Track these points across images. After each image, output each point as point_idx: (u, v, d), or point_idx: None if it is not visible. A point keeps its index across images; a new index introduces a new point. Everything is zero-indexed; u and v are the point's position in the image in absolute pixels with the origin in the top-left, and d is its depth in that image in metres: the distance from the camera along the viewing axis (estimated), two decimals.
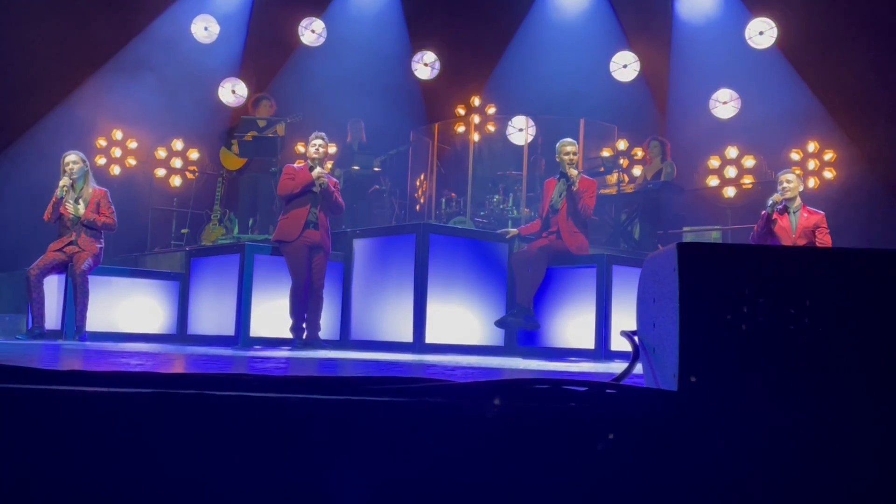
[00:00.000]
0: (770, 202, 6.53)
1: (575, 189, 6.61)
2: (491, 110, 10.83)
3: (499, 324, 6.68)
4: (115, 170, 10.76)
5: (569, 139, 6.93)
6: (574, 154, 6.78)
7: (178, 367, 3.32)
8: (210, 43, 11.27)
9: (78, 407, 1.45)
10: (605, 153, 9.76)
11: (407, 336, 6.62)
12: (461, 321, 6.85)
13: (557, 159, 6.84)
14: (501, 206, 9.04)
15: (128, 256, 9.43)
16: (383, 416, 1.47)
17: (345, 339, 7.22)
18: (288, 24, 11.54)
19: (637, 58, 11.02)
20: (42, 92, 9.93)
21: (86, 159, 7.09)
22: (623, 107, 10.55)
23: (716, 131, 10.45)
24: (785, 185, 6.54)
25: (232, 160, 9.55)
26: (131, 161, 10.90)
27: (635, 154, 9.92)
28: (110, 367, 2.97)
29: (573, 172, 6.67)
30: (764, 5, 10.46)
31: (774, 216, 6.54)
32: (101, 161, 10.43)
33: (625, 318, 6.45)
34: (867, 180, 9.41)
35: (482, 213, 9.22)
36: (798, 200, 6.58)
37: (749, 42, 10.48)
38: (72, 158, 6.91)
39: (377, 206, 10.24)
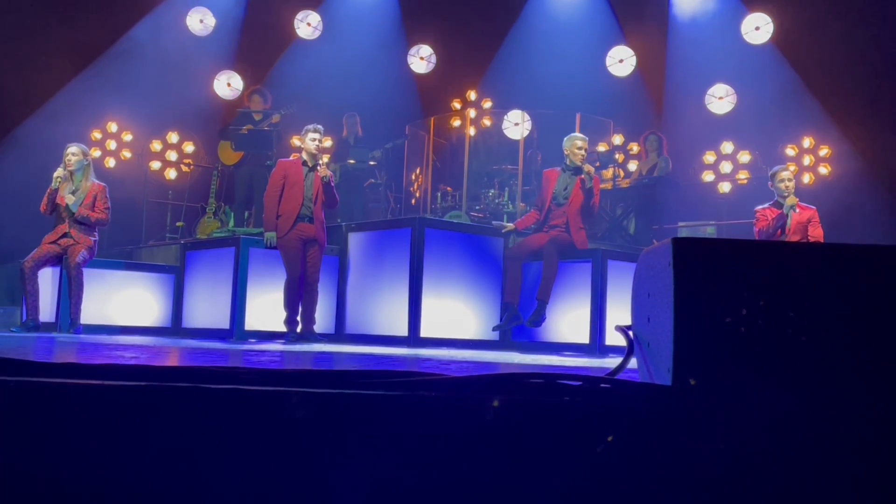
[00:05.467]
0: (790, 204, 6.53)
1: (590, 186, 6.66)
2: (487, 104, 10.82)
3: (498, 328, 6.81)
4: (110, 162, 10.74)
5: (579, 134, 6.99)
6: (586, 150, 6.84)
7: (173, 360, 3.31)
8: (205, 35, 11.24)
9: (72, 399, 1.45)
10: (601, 148, 9.77)
11: (402, 330, 6.63)
12: (456, 315, 6.85)
13: (567, 152, 6.84)
14: (497, 201, 9.05)
15: (122, 249, 9.41)
16: (377, 410, 1.47)
17: (339, 332, 7.22)
18: (284, 17, 11.51)
19: (633, 52, 11.02)
20: (37, 84, 9.90)
21: (87, 152, 7.09)
22: (619, 102, 10.56)
23: (711, 126, 10.46)
24: (787, 182, 6.60)
25: (229, 154, 9.54)
26: (126, 153, 10.87)
27: (631, 149, 9.93)
28: (104, 359, 2.97)
29: (590, 168, 6.73)
30: (760, 0, 10.46)
31: (780, 213, 6.58)
32: (95, 153, 10.40)
33: (620, 312, 6.46)
34: (862, 176, 9.43)
35: (477, 208, 9.22)
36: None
37: (745, 37, 10.48)
38: (72, 150, 6.91)
39: (372, 200, 10.23)
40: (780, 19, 10.27)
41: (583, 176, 6.69)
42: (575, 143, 6.83)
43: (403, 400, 1.49)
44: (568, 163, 6.84)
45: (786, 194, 6.58)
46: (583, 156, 6.79)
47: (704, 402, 1.53)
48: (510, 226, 7.23)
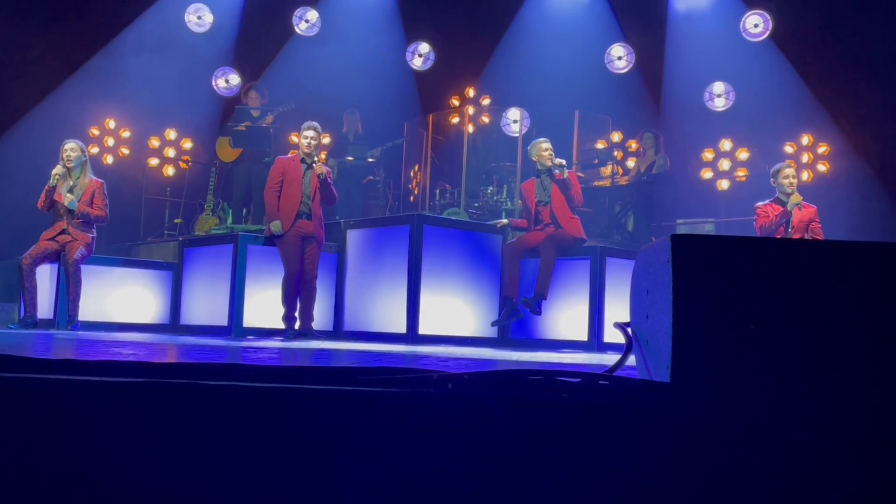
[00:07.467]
0: (794, 203, 6.52)
1: (565, 177, 6.73)
2: (485, 101, 10.81)
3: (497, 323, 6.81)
4: (108, 159, 10.72)
5: (541, 138, 7.17)
6: (552, 150, 6.98)
7: (171, 357, 3.31)
8: (203, 32, 11.22)
9: (70, 396, 1.45)
10: (600, 145, 9.77)
11: (400, 327, 6.63)
12: (455, 312, 6.85)
13: (535, 159, 7.03)
14: (495, 198, 9.05)
15: (121, 246, 9.40)
16: (376, 407, 1.47)
17: (338, 329, 7.22)
18: (282, 14, 11.48)
19: (632, 50, 11.02)
20: (35, 80, 9.88)
21: (84, 148, 7.07)
22: (618, 99, 10.55)
23: (710, 124, 10.46)
24: (791, 179, 6.58)
25: (227, 151, 9.53)
26: (124, 150, 10.86)
27: (629, 146, 9.92)
28: (103, 356, 2.96)
29: (560, 161, 6.86)
30: None
31: (783, 210, 6.57)
32: (94, 150, 10.37)
33: (618, 309, 6.46)
34: (860, 173, 9.44)
35: (476, 205, 9.22)
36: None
37: (744, 34, 10.48)
38: (70, 146, 6.89)
39: (371, 197, 10.23)
40: (779, 16, 10.26)
41: (556, 172, 6.77)
42: (540, 147, 7.01)
43: (402, 397, 1.48)
44: (539, 168, 6.99)
45: (789, 192, 6.56)
46: (550, 155, 6.92)
47: (703, 399, 1.53)
48: (504, 221, 7.40)
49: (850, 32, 9.40)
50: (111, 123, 10.84)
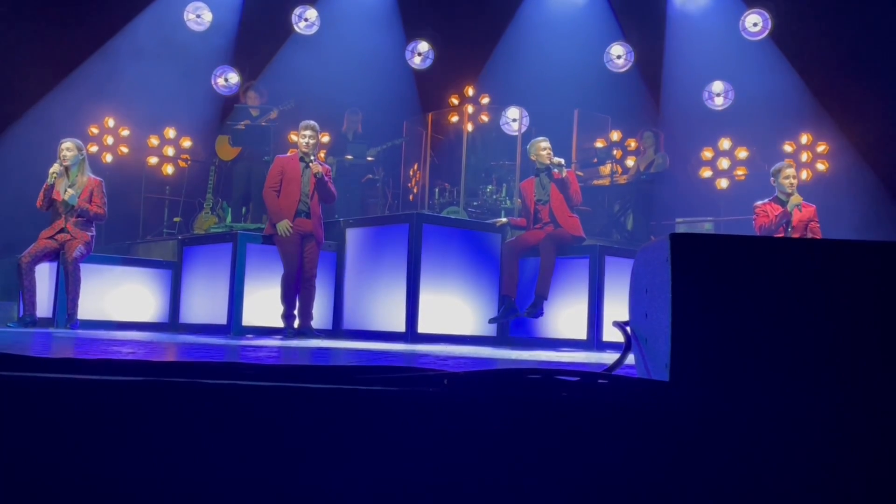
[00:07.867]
0: (794, 203, 6.51)
1: (563, 176, 6.74)
2: (485, 100, 10.81)
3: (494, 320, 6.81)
4: (108, 157, 10.71)
5: (539, 137, 7.19)
6: (550, 149, 6.99)
7: (170, 356, 3.31)
8: (202, 30, 11.22)
9: (69, 395, 1.45)
10: (599, 144, 9.77)
11: (399, 326, 6.63)
12: (454, 311, 6.85)
13: (533, 158, 7.04)
14: (494, 197, 9.05)
15: (120, 244, 9.40)
16: (374, 406, 1.47)
17: (337, 328, 7.22)
18: (281, 12, 11.48)
19: (631, 48, 11.02)
20: (35, 79, 9.87)
21: (82, 147, 7.06)
22: (617, 97, 10.55)
23: (709, 122, 10.46)
24: (792, 179, 6.58)
25: (226, 150, 9.53)
26: (123, 149, 10.85)
27: (629, 145, 9.93)
28: (102, 355, 2.96)
29: (559, 161, 6.86)
30: None
31: (783, 210, 6.56)
32: (93, 149, 10.37)
33: (617, 308, 6.47)
34: (859, 172, 9.44)
35: (475, 203, 9.22)
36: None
37: (744, 33, 10.48)
38: (66, 145, 6.89)
39: (370, 196, 10.22)
40: (778, 15, 10.26)
41: (554, 171, 6.79)
42: (539, 146, 7.03)
43: (401, 395, 1.48)
44: (538, 166, 7.01)
45: (789, 192, 6.55)
46: (549, 154, 6.95)
47: (702, 397, 1.53)
48: (503, 220, 7.42)
49: (849, 31, 9.40)
50: (110, 122, 10.84)
